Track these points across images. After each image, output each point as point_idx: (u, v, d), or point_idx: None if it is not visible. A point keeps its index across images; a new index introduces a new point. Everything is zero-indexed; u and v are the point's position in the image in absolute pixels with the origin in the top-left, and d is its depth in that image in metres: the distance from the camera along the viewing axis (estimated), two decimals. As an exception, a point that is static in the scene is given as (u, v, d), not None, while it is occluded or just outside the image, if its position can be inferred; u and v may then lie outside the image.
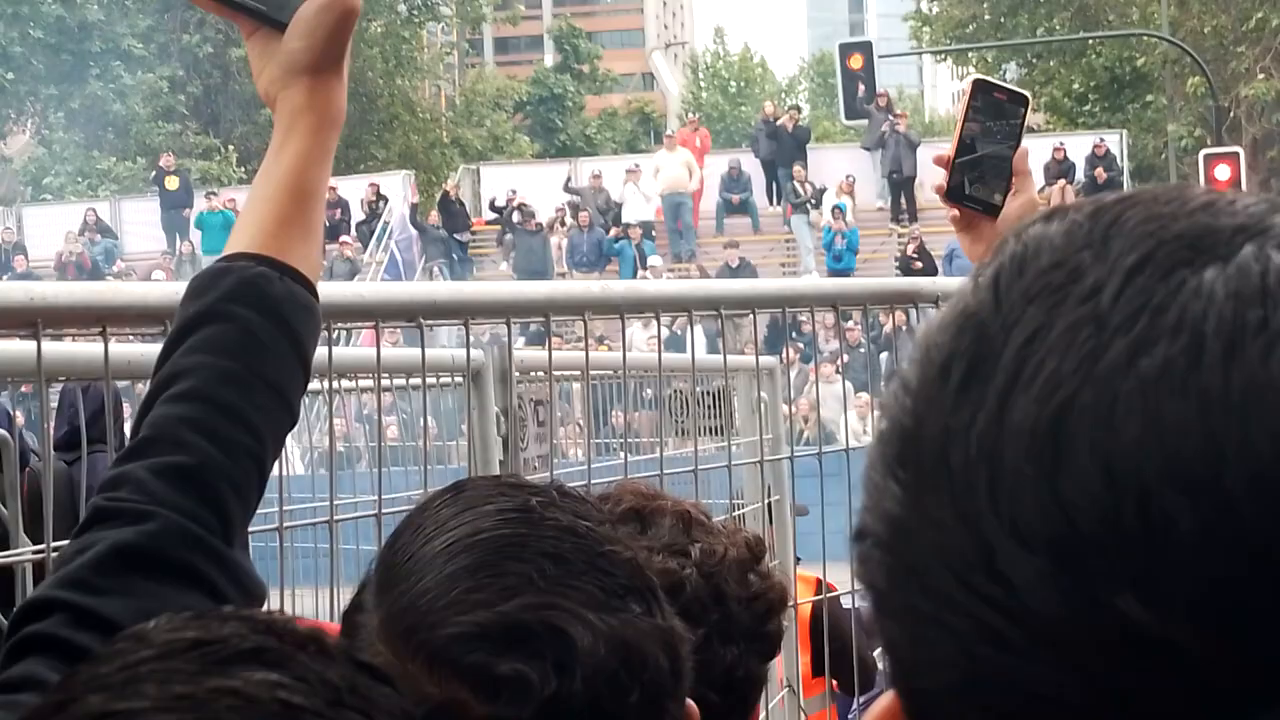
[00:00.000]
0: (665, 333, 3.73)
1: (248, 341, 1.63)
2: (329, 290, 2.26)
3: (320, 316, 1.75)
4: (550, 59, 72.47)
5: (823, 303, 3.67)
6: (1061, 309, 0.66)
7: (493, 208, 31.77)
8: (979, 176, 2.82)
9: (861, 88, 28.73)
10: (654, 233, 29.92)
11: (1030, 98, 2.95)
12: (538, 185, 31.97)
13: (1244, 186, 24.12)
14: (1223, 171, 23.48)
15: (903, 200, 30.01)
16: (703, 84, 79.35)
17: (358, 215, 30.90)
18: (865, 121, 30.25)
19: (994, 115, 2.85)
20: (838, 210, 28.52)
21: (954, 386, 0.68)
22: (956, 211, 2.82)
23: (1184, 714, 0.62)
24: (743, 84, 78.30)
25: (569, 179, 32.17)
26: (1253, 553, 0.61)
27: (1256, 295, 0.64)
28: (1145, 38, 33.83)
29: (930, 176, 30.13)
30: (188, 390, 1.60)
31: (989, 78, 2.91)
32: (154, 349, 1.74)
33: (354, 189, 31.33)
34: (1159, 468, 0.62)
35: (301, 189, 1.73)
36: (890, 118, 30.05)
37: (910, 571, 0.69)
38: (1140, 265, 0.66)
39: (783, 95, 73.13)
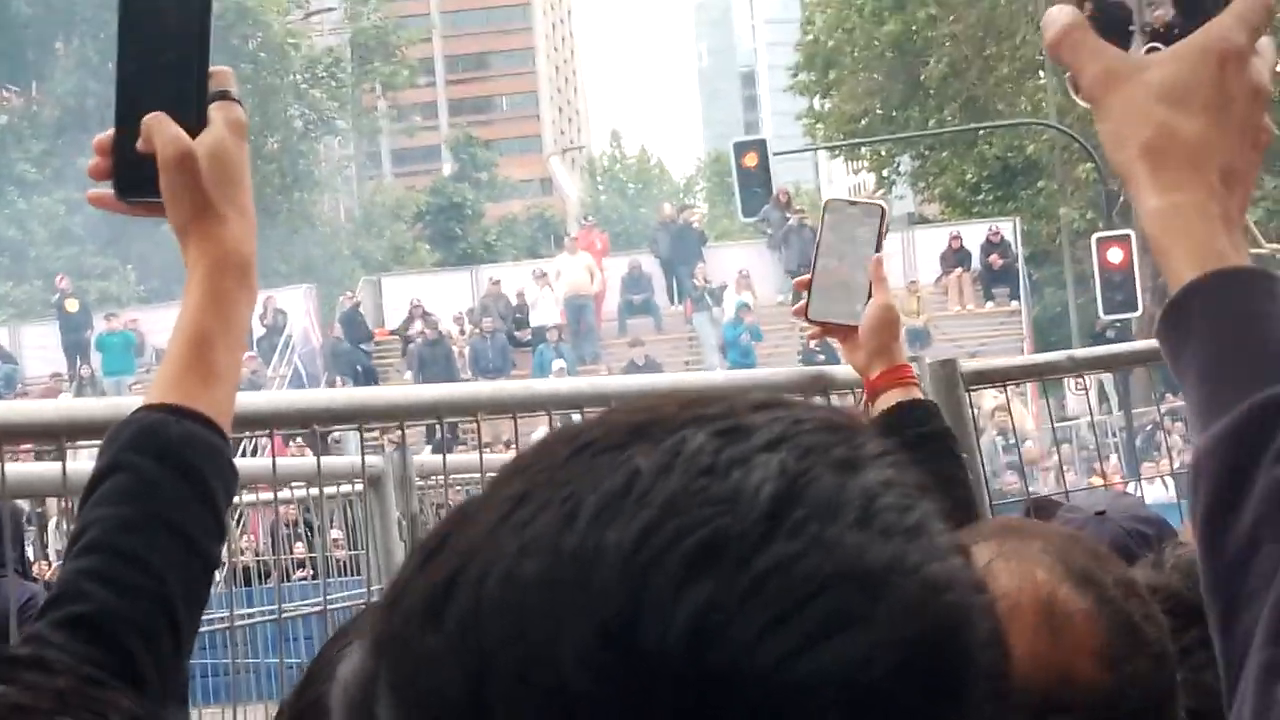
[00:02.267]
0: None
1: (145, 488, 1.65)
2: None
3: (229, 455, 1.75)
4: (448, 168, 72.70)
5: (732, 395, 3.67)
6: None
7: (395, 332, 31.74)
8: (838, 292, 2.91)
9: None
10: (559, 336, 29.99)
11: (885, 206, 3.03)
12: (439, 294, 31.96)
13: (1136, 267, 24.48)
14: (1115, 254, 23.85)
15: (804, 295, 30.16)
16: (601, 187, 79.85)
17: (258, 331, 30.73)
18: (761, 219, 30.50)
19: (851, 228, 2.93)
20: (746, 308, 28.70)
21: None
22: (817, 329, 2.95)
23: None
24: (641, 185, 78.87)
25: (479, 288, 32.16)
26: None
27: None
28: (1035, 126, 34.34)
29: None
30: (89, 543, 1.63)
31: (841, 197, 3.00)
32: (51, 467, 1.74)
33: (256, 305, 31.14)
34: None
35: (198, 336, 1.75)
36: (788, 215, 30.31)
37: None
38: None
39: (680, 195, 73.62)
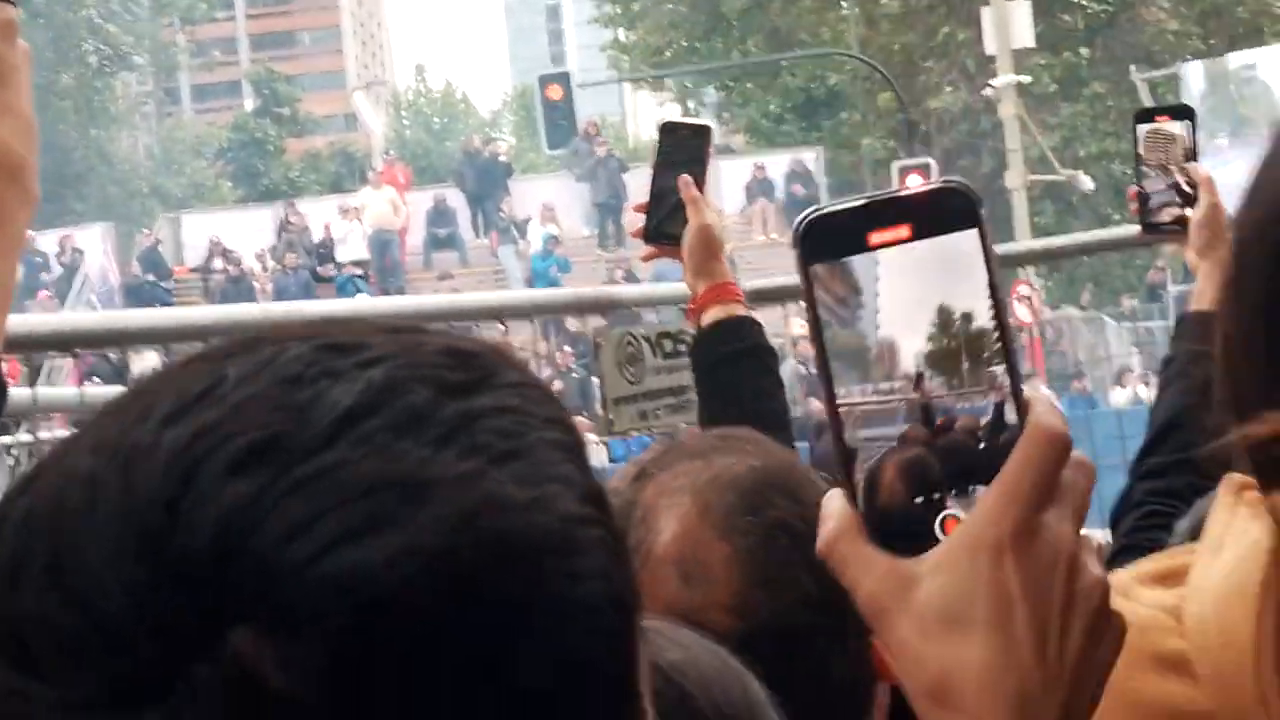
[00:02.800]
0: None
1: None
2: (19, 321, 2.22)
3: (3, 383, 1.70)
4: (249, 104, 71.59)
5: (519, 314, 3.71)
6: None
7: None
8: (672, 213, 2.95)
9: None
10: (364, 271, 29.76)
11: (710, 126, 3.09)
12: (242, 231, 31.52)
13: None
14: (916, 181, 24.13)
15: (610, 226, 30.28)
16: (406, 121, 79.16)
17: (55, 270, 30.13)
18: (570, 151, 30.50)
19: (683, 152, 2.98)
20: (554, 240, 28.69)
21: None
22: (653, 249, 3.02)
23: None
24: (446, 120, 78.30)
25: (283, 221, 31.77)
26: None
27: None
28: (837, 57, 34.66)
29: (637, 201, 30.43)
30: None
31: (675, 119, 3.05)
32: None
33: (52, 243, 30.53)
34: None
35: None
36: (595, 147, 30.33)
37: None
38: None
39: (486, 129, 73.31)
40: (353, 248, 30.01)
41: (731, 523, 1.60)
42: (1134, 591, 1.16)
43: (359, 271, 28.79)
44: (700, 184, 2.97)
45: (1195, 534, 1.15)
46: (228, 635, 0.64)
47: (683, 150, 2.99)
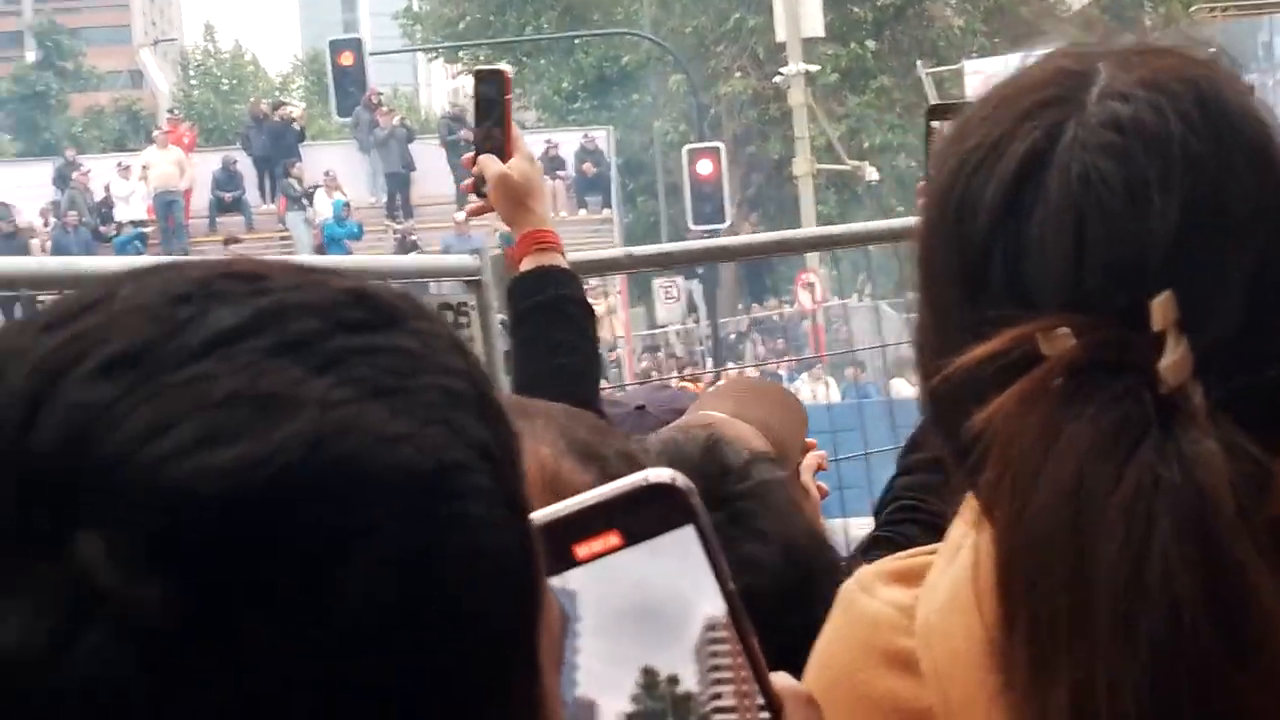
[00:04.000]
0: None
1: None
2: None
3: None
4: (31, 56, 69.80)
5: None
6: None
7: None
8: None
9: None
10: (147, 231, 29.24)
11: (504, 70, 3.10)
12: (20, 185, 30.78)
13: (725, 179, 25.12)
14: (705, 165, 24.43)
15: (398, 197, 30.10)
16: (194, 81, 77.73)
17: None
18: (353, 121, 30.25)
19: (489, 101, 3.00)
20: (346, 207, 28.44)
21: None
22: (478, 204, 2.97)
23: None
24: (235, 82, 77.04)
25: (64, 177, 31.04)
26: None
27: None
28: (630, 37, 34.78)
29: (425, 172, 30.30)
30: None
31: (483, 67, 3.06)
32: None
33: None
34: None
35: None
36: (378, 117, 30.09)
37: None
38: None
39: (276, 93, 72.21)
40: (135, 208, 29.47)
41: (592, 449, 1.60)
42: (875, 588, 1.23)
43: (141, 231, 28.31)
44: (505, 130, 2.94)
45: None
46: (74, 536, 0.64)
47: (488, 99, 3.00)
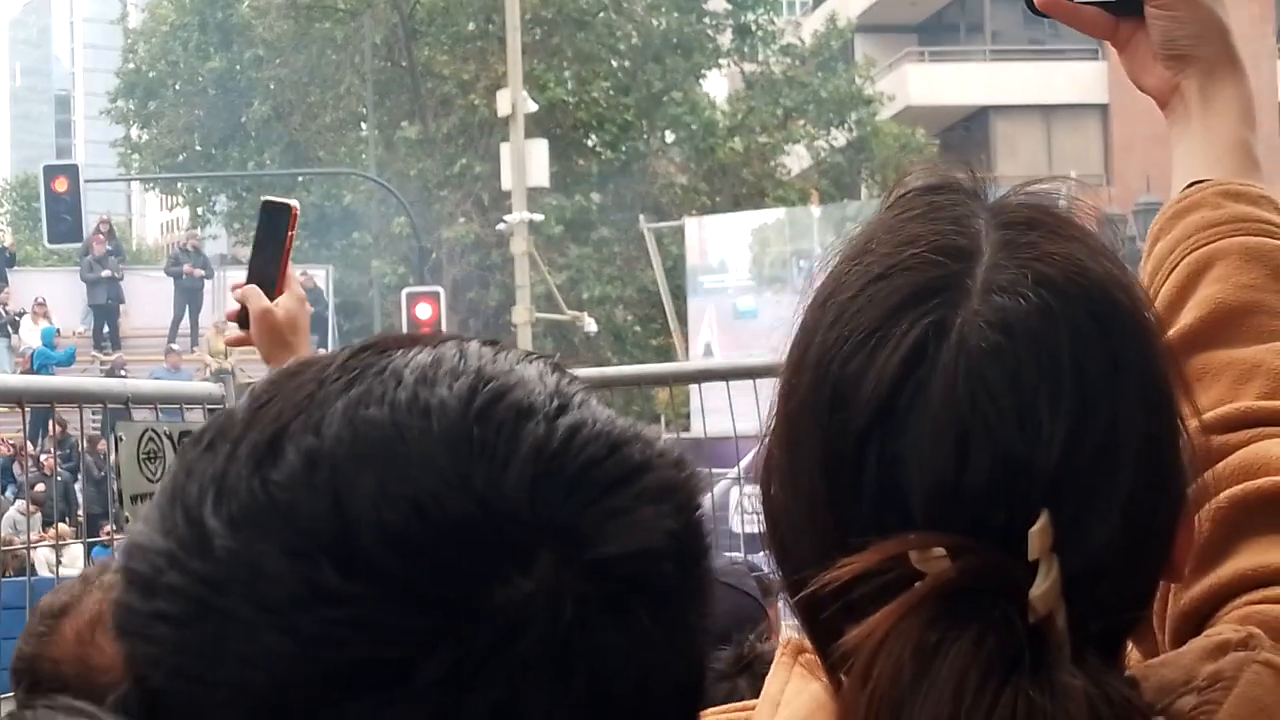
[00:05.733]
0: None
1: None
2: None
3: None
4: None
5: (7, 399, 3.73)
6: None
7: None
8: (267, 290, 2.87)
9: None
10: None
11: (291, 205, 3.00)
12: None
13: (444, 324, 25.06)
14: (424, 310, 24.28)
15: (105, 328, 29.59)
16: (-106, 200, 75.55)
17: None
18: (72, 245, 29.64)
19: (269, 233, 2.92)
20: (56, 333, 27.83)
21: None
22: (238, 334, 2.88)
23: None
24: (-61, 203, 75.07)
25: None
26: None
27: None
28: (353, 177, 34.75)
29: (137, 304, 29.78)
30: None
31: (273, 199, 2.99)
32: None
33: None
34: None
35: None
36: (92, 245, 29.57)
37: None
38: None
39: (-16, 216, 70.54)
40: None
41: None
42: None
43: None
44: (280, 266, 2.88)
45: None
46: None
47: (270, 232, 2.91)
